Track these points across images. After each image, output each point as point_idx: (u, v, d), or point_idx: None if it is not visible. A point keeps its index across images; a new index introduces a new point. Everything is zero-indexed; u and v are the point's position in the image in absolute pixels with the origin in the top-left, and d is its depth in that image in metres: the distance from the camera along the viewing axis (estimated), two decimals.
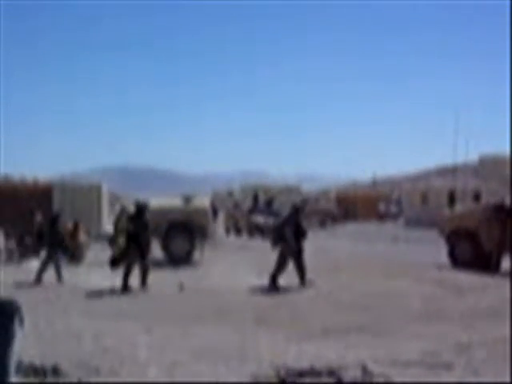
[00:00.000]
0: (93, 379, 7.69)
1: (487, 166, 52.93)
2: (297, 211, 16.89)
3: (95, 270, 19.85)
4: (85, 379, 7.62)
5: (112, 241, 17.57)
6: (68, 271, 19.25)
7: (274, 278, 16.18)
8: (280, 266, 16.26)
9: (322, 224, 46.00)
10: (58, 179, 32.81)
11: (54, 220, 18.04)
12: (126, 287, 15.70)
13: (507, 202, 19.73)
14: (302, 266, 16.29)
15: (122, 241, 16.04)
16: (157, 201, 23.93)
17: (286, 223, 16.62)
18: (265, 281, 16.81)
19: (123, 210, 17.20)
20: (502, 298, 14.27)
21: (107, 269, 17.12)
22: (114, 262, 16.20)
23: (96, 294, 15.38)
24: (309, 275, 16.33)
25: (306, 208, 17.79)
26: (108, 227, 26.42)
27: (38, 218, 23.16)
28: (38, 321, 11.07)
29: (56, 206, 26.31)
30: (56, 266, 17.25)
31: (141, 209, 16.65)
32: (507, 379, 7.73)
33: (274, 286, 16.06)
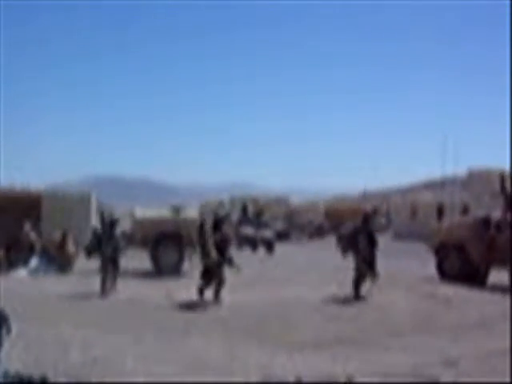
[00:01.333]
0: None
1: (476, 180, 53.05)
2: (367, 220, 16.92)
3: (84, 279, 19.79)
4: None
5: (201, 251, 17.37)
6: (57, 281, 19.21)
7: (356, 287, 16.21)
8: (360, 275, 16.28)
9: (311, 236, 46.00)
10: (49, 188, 32.55)
11: (111, 226, 17.77)
12: (214, 297, 15.73)
13: (494, 215, 19.79)
14: (374, 273, 16.37)
15: (214, 253, 15.90)
16: (141, 211, 23.95)
17: (358, 232, 16.62)
18: (252, 293, 16.79)
19: (204, 221, 17.02)
20: (489, 311, 14.31)
21: (95, 278, 17.09)
22: (206, 275, 15.97)
23: (83, 303, 15.32)
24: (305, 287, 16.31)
25: (374, 217, 18.03)
26: None
27: (27, 227, 23.06)
28: (26, 330, 11.00)
29: (45, 215, 26.18)
30: (113, 275, 17.09)
31: (219, 221, 16.67)
32: None
33: (357, 295, 16.07)
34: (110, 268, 17.07)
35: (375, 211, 19.44)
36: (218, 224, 16.48)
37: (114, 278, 17.07)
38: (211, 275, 15.87)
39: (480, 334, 11.93)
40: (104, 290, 16.68)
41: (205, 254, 15.98)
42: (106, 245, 17.28)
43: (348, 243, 16.78)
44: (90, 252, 19.05)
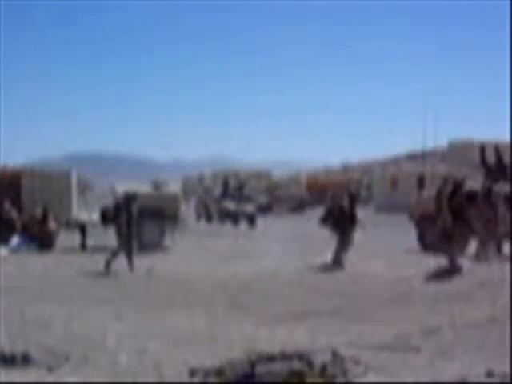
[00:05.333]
0: (62, 366, 7.67)
1: (456, 152, 53.22)
2: None
3: (65, 256, 19.80)
4: (55, 366, 7.60)
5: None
6: (38, 258, 19.19)
7: None
8: None
9: (293, 209, 46.10)
10: (29, 166, 32.37)
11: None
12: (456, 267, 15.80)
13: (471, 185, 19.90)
14: None
15: (449, 219, 16.37)
16: (124, 187, 23.92)
17: None
18: (234, 266, 16.86)
19: (441, 189, 17.17)
20: (470, 281, 14.45)
21: (76, 255, 17.08)
22: (445, 238, 16.26)
23: (65, 279, 15.31)
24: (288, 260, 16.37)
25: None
26: (83, 214, 26.31)
27: (7, 205, 22.92)
28: (7, 308, 11.01)
29: (25, 192, 26.07)
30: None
31: (458, 186, 16.92)
32: (475, 363, 7.82)
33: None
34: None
35: None
36: (456, 189, 16.70)
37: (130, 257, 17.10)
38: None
39: (460, 304, 12.03)
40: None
41: (441, 219, 16.18)
42: None
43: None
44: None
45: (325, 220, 17.87)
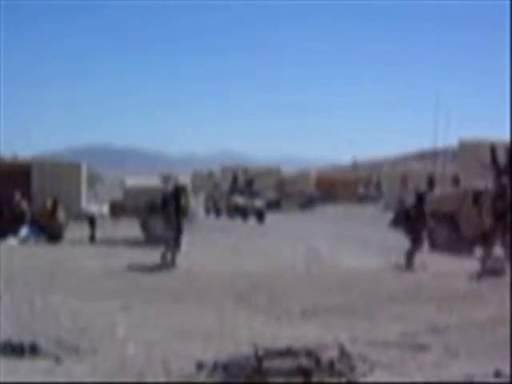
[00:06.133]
0: (71, 357, 7.69)
1: (466, 151, 53.01)
2: None
3: (74, 247, 19.85)
4: (63, 357, 7.62)
5: None
6: (45, 249, 19.24)
7: None
8: None
9: (302, 206, 46.01)
10: (38, 158, 32.43)
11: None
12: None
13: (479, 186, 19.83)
14: None
15: (487, 220, 16.74)
16: (132, 180, 23.99)
17: None
18: (242, 262, 16.85)
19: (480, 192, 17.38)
20: (477, 281, 14.42)
21: (84, 247, 17.10)
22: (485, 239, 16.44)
23: (73, 271, 15.34)
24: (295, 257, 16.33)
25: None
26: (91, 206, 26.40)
27: (17, 196, 23.00)
28: (17, 299, 11.05)
29: (35, 184, 26.17)
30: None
31: (504, 188, 16.77)
32: (483, 361, 7.81)
33: None
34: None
35: None
36: (503, 191, 16.65)
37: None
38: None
39: (468, 303, 12.01)
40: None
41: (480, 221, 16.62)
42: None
43: None
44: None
45: (396, 222, 17.84)
